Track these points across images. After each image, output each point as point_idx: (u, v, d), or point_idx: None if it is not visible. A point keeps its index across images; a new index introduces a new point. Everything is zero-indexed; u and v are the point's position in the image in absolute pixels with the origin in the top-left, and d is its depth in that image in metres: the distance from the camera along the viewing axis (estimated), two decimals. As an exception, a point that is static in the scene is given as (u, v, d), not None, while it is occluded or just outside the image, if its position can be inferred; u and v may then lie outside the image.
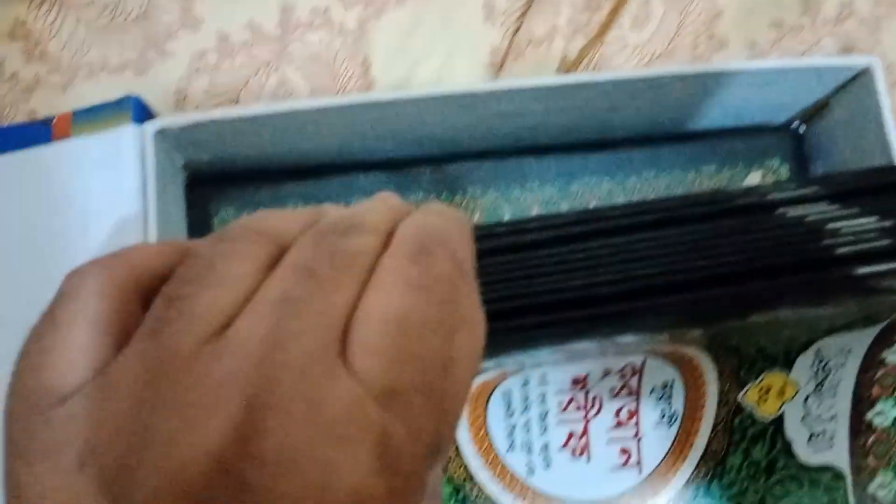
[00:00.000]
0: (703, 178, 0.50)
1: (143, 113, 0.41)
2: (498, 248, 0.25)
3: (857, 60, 0.45)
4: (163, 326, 0.16)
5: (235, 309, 0.16)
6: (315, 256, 0.17)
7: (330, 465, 0.15)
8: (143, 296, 0.18)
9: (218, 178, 0.47)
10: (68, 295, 0.17)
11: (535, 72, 0.54)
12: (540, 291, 0.23)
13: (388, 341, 0.16)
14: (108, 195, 0.40)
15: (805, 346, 0.41)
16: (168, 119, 0.39)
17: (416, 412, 0.16)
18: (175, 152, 0.44)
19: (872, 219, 0.25)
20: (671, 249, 0.24)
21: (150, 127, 0.40)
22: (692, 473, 0.42)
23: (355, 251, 0.18)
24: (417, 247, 0.18)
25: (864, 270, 0.24)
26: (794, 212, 0.26)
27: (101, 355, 0.17)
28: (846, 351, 0.40)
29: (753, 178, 0.51)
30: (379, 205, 0.21)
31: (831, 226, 0.25)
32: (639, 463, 0.42)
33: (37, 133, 0.40)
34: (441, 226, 0.19)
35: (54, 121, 0.41)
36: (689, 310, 0.24)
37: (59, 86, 0.52)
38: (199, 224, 0.47)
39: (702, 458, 0.42)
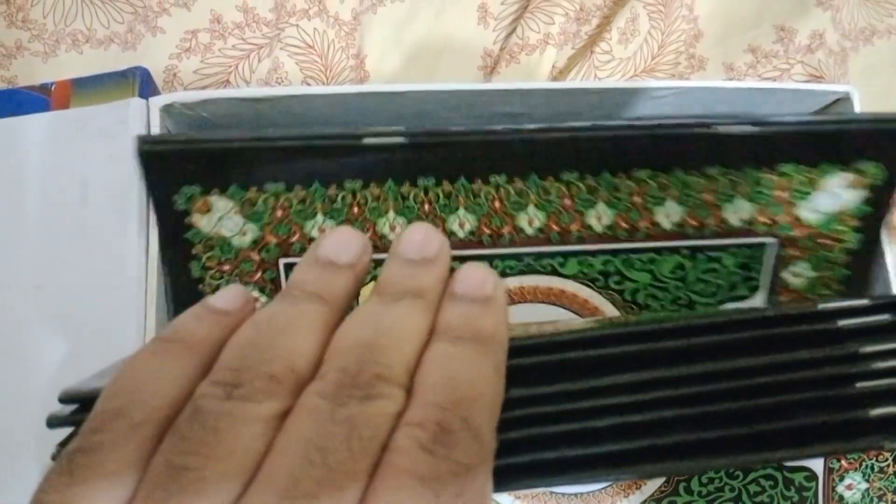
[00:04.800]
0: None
1: (147, 86, 0.40)
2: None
3: (835, 87, 0.48)
4: (165, 502, 0.16)
5: (242, 485, 0.16)
6: (331, 434, 0.16)
7: None
8: (161, 435, 0.17)
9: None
10: (88, 449, 0.17)
11: (527, 77, 0.55)
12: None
13: None
14: (109, 169, 0.38)
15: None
16: (179, 94, 0.38)
17: None
18: (175, 130, 0.42)
19: None
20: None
21: (159, 101, 0.38)
22: (675, 471, 0.43)
23: (375, 426, 0.17)
24: (437, 427, 0.17)
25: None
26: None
27: None
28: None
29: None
30: (403, 317, 0.19)
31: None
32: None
33: (34, 99, 0.38)
34: (470, 381, 0.18)
35: (52, 87, 0.39)
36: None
37: (39, 54, 0.49)
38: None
39: (685, 456, 0.43)
